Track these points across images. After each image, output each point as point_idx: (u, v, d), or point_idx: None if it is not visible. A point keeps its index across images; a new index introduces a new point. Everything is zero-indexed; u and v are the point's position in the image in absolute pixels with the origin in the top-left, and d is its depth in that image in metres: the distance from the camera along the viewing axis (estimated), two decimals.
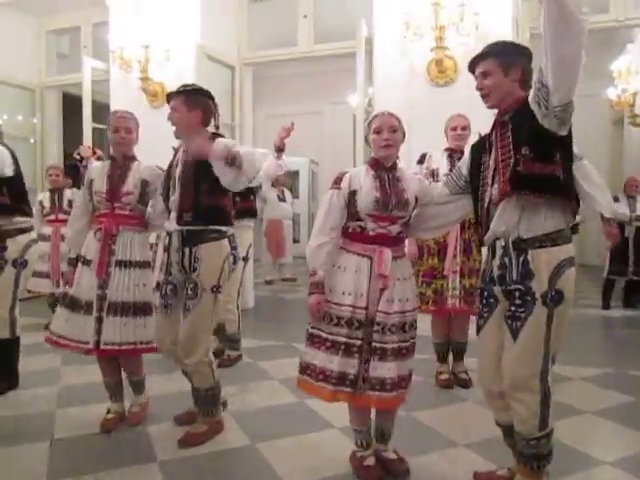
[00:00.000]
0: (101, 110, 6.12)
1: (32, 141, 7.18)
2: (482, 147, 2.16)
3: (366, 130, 2.37)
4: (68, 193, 5.11)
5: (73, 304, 2.77)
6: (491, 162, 2.05)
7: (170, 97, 2.66)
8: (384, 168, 2.31)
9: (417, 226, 2.36)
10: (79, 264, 2.82)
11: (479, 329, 2.11)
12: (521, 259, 1.94)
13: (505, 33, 4.47)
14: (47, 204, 5.13)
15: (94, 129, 6.07)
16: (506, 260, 1.98)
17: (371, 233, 2.22)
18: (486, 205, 2.05)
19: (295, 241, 9.41)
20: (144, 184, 2.83)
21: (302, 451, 2.57)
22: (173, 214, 2.59)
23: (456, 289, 3.40)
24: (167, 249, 2.64)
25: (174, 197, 2.59)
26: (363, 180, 2.26)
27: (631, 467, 2.35)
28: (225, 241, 2.60)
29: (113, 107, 5.92)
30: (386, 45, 4.84)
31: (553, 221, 1.94)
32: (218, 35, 5.70)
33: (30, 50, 7.02)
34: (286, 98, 11.00)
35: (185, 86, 2.67)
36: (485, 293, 2.08)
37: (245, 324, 4.25)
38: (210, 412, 2.69)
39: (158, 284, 2.71)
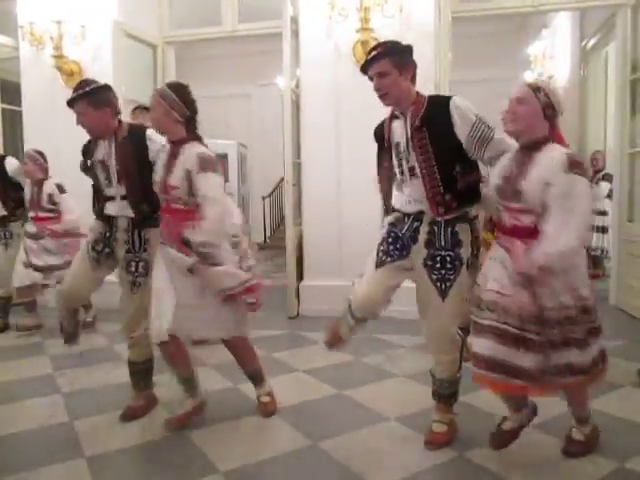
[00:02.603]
0: (10, 90, 5.72)
1: None
2: (381, 139, 2.40)
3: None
4: (48, 187, 4.26)
5: None
6: (405, 161, 2.28)
7: (72, 102, 2.58)
8: (523, 148, 2.09)
9: None
10: None
11: (381, 264, 2.30)
12: (449, 230, 2.24)
13: (428, 16, 4.55)
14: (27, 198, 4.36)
15: (4, 110, 5.67)
16: (435, 228, 2.26)
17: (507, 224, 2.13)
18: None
19: None
20: None
21: (236, 436, 2.55)
22: (122, 202, 2.63)
23: None
24: (109, 231, 2.69)
25: (118, 190, 2.64)
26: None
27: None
28: None
29: (24, 86, 5.56)
30: (312, 25, 4.80)
31: None
32: (138, 12, 5.43)
33: None
34: (213, 80, 10.72)
35: (82, 86, 2.59)
36: (400, 242, 2.31)
37: None
38: (147, 385, 2.84)
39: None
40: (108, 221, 2.70)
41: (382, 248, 2.35)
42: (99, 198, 2.74)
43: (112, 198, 2.67)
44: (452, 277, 2.24)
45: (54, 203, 4.26)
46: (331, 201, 4.84)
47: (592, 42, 6.54)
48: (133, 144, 2.62)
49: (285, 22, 4.77)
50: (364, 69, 2.27)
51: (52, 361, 3.69)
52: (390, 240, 2.34)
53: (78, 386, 3.19)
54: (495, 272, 2.10)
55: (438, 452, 2.32)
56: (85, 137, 2.78)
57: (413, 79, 2.27)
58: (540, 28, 8.29)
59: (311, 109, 4.88)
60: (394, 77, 2.20)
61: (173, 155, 2.48)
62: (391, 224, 2.38)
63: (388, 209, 2.46)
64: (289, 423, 2.65)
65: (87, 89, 2.56)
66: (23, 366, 3.57)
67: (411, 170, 2.27)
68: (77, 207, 4.22)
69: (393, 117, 2.34)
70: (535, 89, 2.02)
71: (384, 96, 2.24)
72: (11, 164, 4.48)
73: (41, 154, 4.32)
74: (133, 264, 2.66)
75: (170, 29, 5.75)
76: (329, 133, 4.81)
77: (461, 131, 2.17)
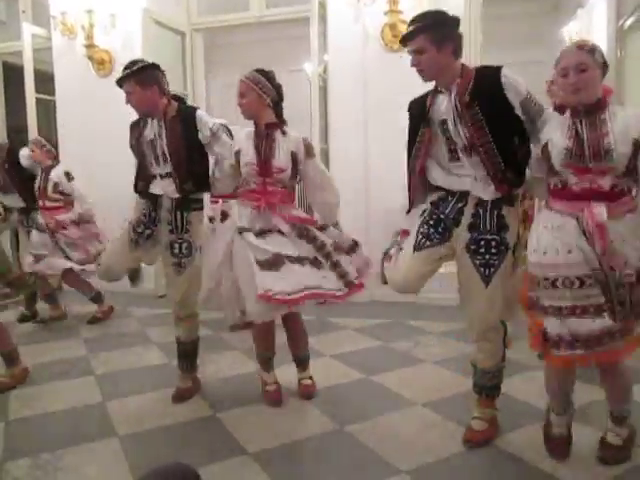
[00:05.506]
0: (44, 80, 5.82)
1: None
2: (419, 115, 2.21)
3: (555, 71, 1.97)
4: (54, 175, 4.14)
5: None
6: (457, 139, 2.11)
7: (121, 81, 2.63)
8: (580, 112, 1.91)
9: None
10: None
11: (419, 247, 2.17)
12: (495, 213, 2.12)
13: None
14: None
15: (38, 100, 5.78)
16: (480, 210, 2.13)
17: (575, 188, 1.92)
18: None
19: None
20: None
21: (264, 419, 2.58)
22: (166, 181, 2.68)
23: None
24: (153, 210, 2.74)
25: (163, 168, 2.68)
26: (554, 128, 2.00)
27: (580, 417, 2.45)
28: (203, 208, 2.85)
29: (57, 76, 5.66)
30: (340, 9, 4.74)
31: None
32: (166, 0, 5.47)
33: None
34: (241, 66, 10.70)
35: (130, 66, 2.62)
36: (442, 225, 2.17)
37: None
38: (192, 366, 2.92)
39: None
40: (153, 200, 2.74)
41: (422, 230, 2.19)
42: (145, 176, 2.76)
43: (158, 177, 2.71)
44: (497, 262, 2.11)
45: (61, 192, 4.13)
46: (359, 188, 4.80)
47: (630, 21, 6.30)
48: (182, 123, 2.65)
49: (313, 7, 4.73)
50: (402, 43, 2.16)
51: (86, 344, 3.79)
52: (432, 222, 2.18)
53: (111, 368, 3.27)
54: (548, 241, 1.92)
55: None
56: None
57: (456, 52, 2.11)
58: (575, 8, 8.04)
59: (339, 94, 4.84)
60: (431, 54, 2.05)
61: (270, 138, 2.56)
62: (433, 204, 2.22)
63: (412, 204, 2.30)
64: (316, 407, 2.67)
65: (134, 68, 2.61)
66: (57, 349, 3.67)
67: (464, 149, 2.10)
68: (88, 194, 4.17)
69: (437, 92, 2.17)
70: (590, 51, 1.86)
71: (421, 72, 2.12)
72: (24, 155, 4.25)
73: (48, 141, 4.28)
74: (177, 246, 2.72)
75: (198, 16, 5.77)
76: (357, 117, 4.77)
77: (515, 101, 2.03)
